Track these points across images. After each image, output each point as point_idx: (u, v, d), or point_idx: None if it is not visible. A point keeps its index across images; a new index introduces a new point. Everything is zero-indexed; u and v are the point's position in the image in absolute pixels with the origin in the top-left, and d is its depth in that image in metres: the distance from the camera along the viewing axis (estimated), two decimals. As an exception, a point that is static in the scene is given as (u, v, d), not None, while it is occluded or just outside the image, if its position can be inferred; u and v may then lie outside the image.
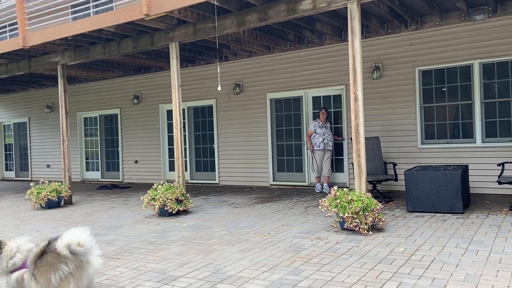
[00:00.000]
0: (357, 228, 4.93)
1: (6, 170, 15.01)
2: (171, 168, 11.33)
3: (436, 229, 5.08)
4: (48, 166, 13.64)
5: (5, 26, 13.59)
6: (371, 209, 4.93)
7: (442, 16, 7.63)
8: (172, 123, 11.14)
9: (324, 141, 8.38)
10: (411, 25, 7.90)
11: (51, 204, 8.02)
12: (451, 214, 5.84)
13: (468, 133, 7.68)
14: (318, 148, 8.40)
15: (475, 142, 7.56)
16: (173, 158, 11.19)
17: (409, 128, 8.06)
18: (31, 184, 8.23)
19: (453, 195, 5.82)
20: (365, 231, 4.90)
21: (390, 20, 7.86)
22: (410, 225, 5.34)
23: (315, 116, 9.03)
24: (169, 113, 11.25)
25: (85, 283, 2.79)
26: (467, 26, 7.51)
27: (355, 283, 3.41)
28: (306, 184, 9.33)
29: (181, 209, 6.66)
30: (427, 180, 5.96)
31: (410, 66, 8.00)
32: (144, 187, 10.73)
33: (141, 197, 6.99)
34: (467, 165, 6.66)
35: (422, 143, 8.01)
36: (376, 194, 7.25)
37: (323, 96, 9.14)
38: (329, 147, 8.44)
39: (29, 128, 14.11)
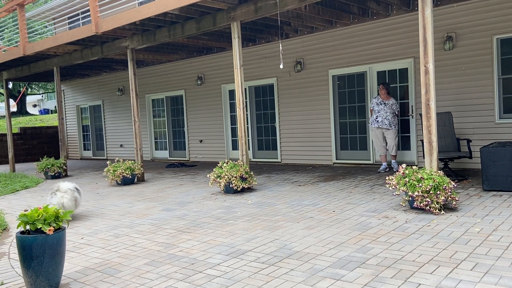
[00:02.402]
0: (428, 207, 4.74)
1: (84, 149, 16.27)
2: (234, 147, 11.58)
3: (517, 209, 4.74)
4: (121, 145, 14.58)
5: (77, 14, 14.47)
6: (443, 187, 4.70)
7: (526, -24, 6.90)
8: (233, 103, 11.37)
9: (377, 119, 7.96)
10: (489, -11, 7.25)
11: (126, 181, 8.59)
12: (533, 194, 5.41)
13: (555, 106, 6.99)
14: (372, 126, 8.08)
15: None
16: (236, 137, 11.42)
17: (485, 102, 7.50)
18: (108, 162, 8.86)
19: (537, 173, 5.37)
20: (437, 210, 4.70)
21: (464, -15, 7.27)
22: (486, 204, 5.04)
23: (380, 92, 8.69)
24: (231, 93, 11.43)
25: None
26: (556, -14, 6.73)
27: (427, 263, 3.31)
28: (371, 162, 9.09)
29: (246, 186, 6.82)
30: (506, 157, 5.54)
31: (487, 35, 7.37)
32: (209, 165, 11.10)
33: (207, 175, 7.25)
34: (553, 141, 6.09)
35: (500, 118, 7.42)
36: (448, 172, 6.88)
37: (388, 70, 8.75)
38: (384, 126, 7.90)
39: (103, 110, 15.10)
